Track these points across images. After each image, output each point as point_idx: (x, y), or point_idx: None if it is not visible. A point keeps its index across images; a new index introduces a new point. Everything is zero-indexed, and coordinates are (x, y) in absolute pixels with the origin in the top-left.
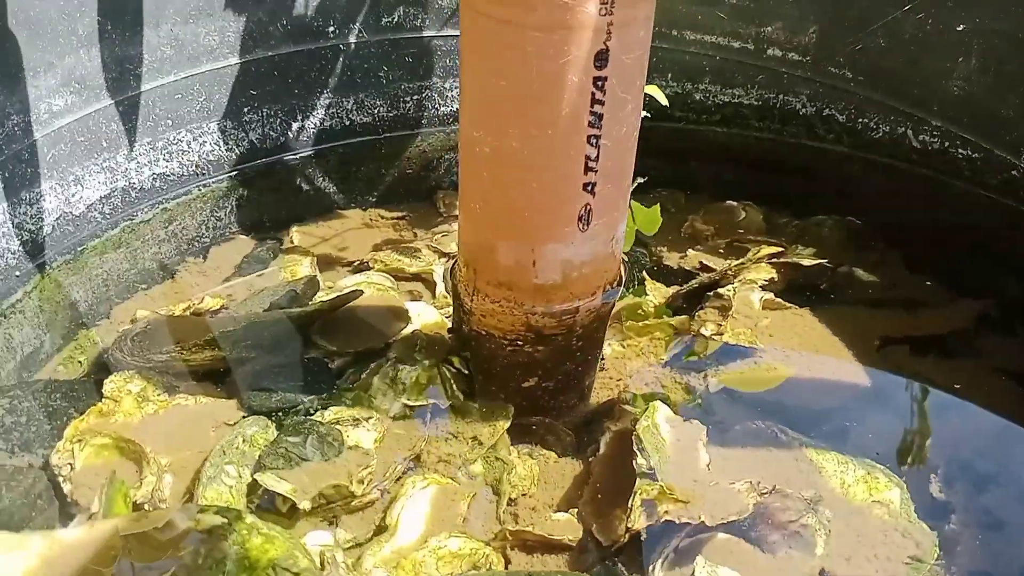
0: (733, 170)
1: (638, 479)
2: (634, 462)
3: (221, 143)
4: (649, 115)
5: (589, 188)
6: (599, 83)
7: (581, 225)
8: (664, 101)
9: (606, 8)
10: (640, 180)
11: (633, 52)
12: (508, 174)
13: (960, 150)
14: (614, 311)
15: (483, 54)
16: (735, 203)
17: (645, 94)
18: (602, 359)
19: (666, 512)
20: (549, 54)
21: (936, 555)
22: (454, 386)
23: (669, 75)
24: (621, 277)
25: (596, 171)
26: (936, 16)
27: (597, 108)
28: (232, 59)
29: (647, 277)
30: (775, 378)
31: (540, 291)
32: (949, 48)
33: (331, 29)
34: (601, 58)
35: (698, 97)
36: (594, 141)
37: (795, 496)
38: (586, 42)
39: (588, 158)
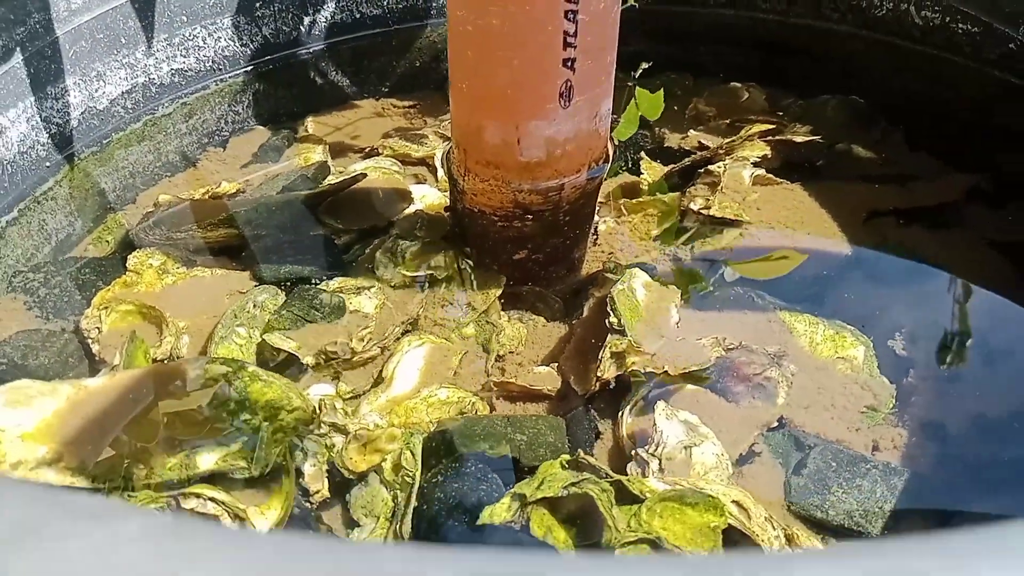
0: (740, 52)
1: (609, 335)
2: (607, 321)
3: (235, 39)
4: None
5: (569, 64)
6: None
7: (563, 102)
8: None
9: None
10: (645, 65)
11: None
12: (490, 52)
13: (960, 25)
14: (611, 189)
15: None
16: (739, 84)
17: None
18: (595, 234)
19: (633, 363)
20: None
21: (892, 405)
22: (452, 258)
23: None
24: (608, 154)
25: (575, 47)
26: None
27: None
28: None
29: (644, 156)
30: (755, 248)
31: (526, 168)
32: None
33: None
34: None
35: None
36: (571, 16)
37: (760, 351)
38: None
39: (567, 33)
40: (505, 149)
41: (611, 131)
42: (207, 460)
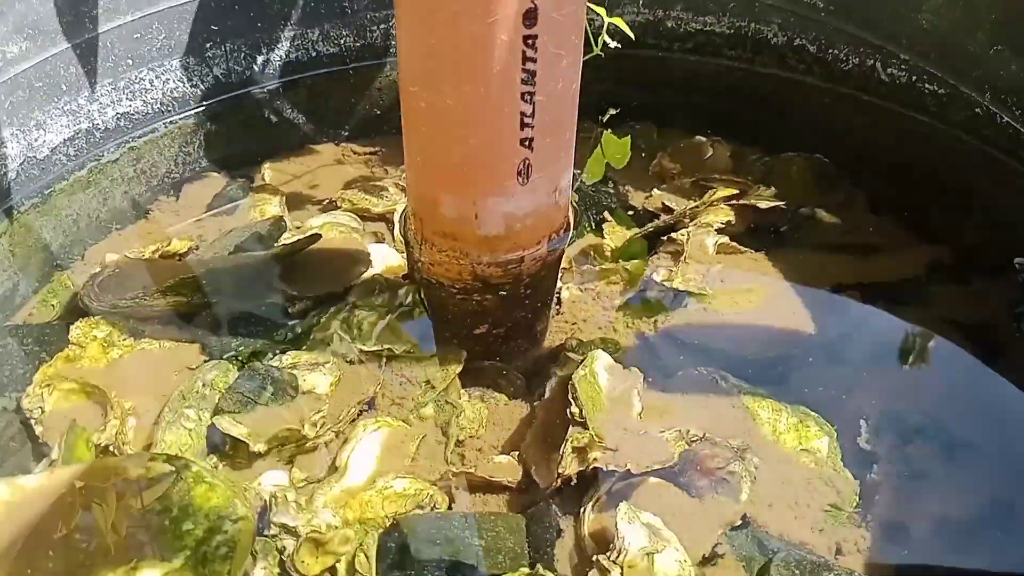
0: (705, 100)
1: (571, 427)
2: (568, 411)
3: (185, 79)
4: (619, 45)
5: (526, 143)
6: (529, 41)
7: (520, 179)
8: (629, 33)
9: None
10: (612, 111)
11: (565, 8)
12: (445, 130)
13: (927, 85)
14: (575, 253)
15: (413, 12)
16: (703, 139)
17: (612, 24)
18: (558, 303)
19: (595, 459)
20: (476, 13)
21: (855, 503)
22: (409, 333)
23: (640, 2)
24: (569, 224)
25: (532, 127)
26: None
27: (529, 65)
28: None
29: (608, 218)
30: (719, 324)
31: (484, 242)
32: None
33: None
34: (530, 16)
35: (670, 24)
36: (528, 98)
37: (724, 443)
38: (512, 1)
39: (523, 114)
40: (462, 222)
41: (574, 193)
42: None
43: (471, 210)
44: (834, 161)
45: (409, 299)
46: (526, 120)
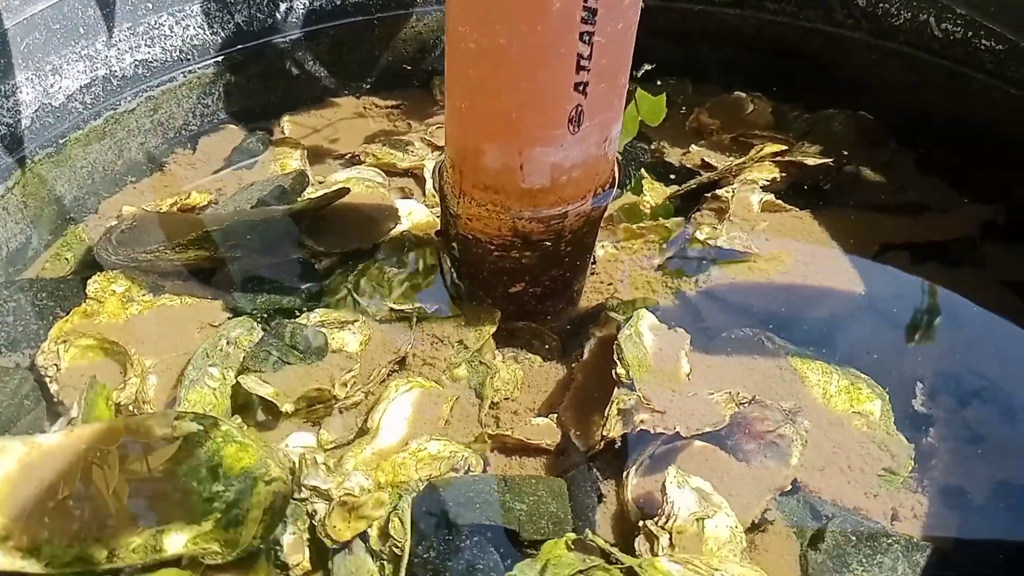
0: (745, 56)
1: (616, 388)
2: (613, 372)
3: (205, 26)
4: None
5: (581, 88)
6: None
7: (571, 127)
8: None
9: None
10: (647, 67)
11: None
12: (495, 73)
13: (983, 41)
14: (611, 211)
15: None
16: (743, 95)
17: None
18: (593, 262)
19: (642, 421)
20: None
21: (911, 468)
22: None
23: None
24: (614, 179)
25: (589, 70)
26: None
27: (591, 2)
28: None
29: (645, 175)
30: (764, 284)
31: (528, 195)
32: None
33: None
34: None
35: None
36: (587, 38)
37: (774, 406)
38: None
39: (581, 56)
40: (506, 174)
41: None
42: (176, 542)
43: (516, 160)
44: (880, 119)
45: (420, 264)
46: (583, 63)
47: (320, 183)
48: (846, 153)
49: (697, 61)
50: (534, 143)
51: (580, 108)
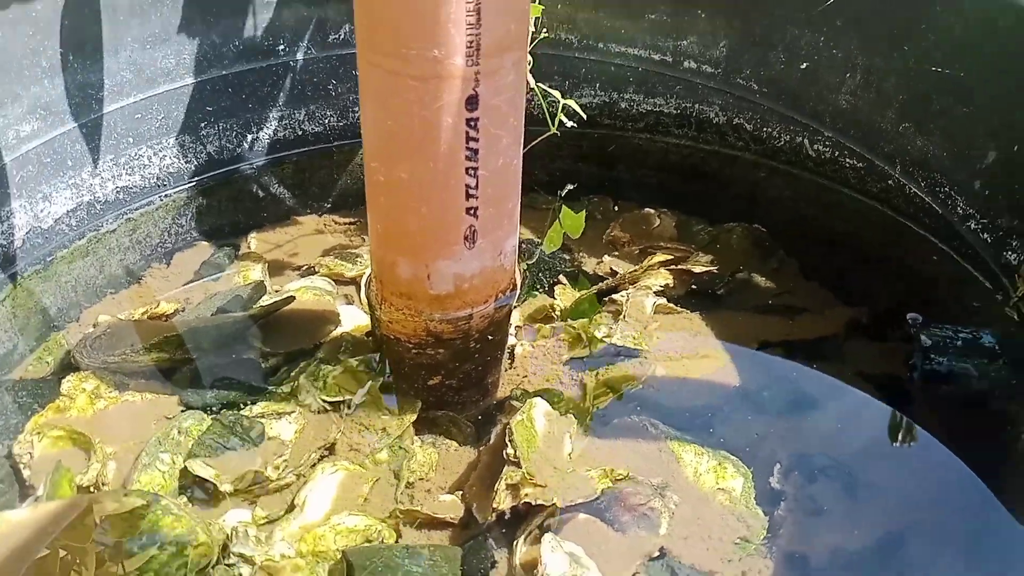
0: (656, 175)
1: (506, 466)
2: (504, 452)
3: (180, 156)
4: (575, 124)
5: (472, 212)
6: (472, 123)
7: (467, 244)
8: (581, 113)
9: (472, 60)
10: (570, 186)
11: (503, 95)
12: (400, 201)
13: (848, 159)
14: (529, 312)
15: (374, 98)
16: (652, 211)
17: (566, 106)
18: (511, 357)
19: (526, 495)
20: (425, 100)
21: (763, 536)
22: (369, 384)
23: (597, 85)
24: (515, 284)
25: (477, 197)
26: (827, 35)
27: (472, 144)
28: (188, 79)
29: (562, 279)
30: (654, 377)
31: (436, 300)
32: (838, 65)
33: (281, 47)
34: (472, 102)
35: (623, 106)
36: (472, 172)
37: (646, 482)
38: (456, 89)
39: (468, 187)
40: (416, 282)
41: (525, 259)
42: None
43: (424, 271)
44: (770, 230)
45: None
46: (471, 192)
47: (276, 291)
48: (741, 264)
49: (616, 180)
50: (436, 257)
51: (473, 228)
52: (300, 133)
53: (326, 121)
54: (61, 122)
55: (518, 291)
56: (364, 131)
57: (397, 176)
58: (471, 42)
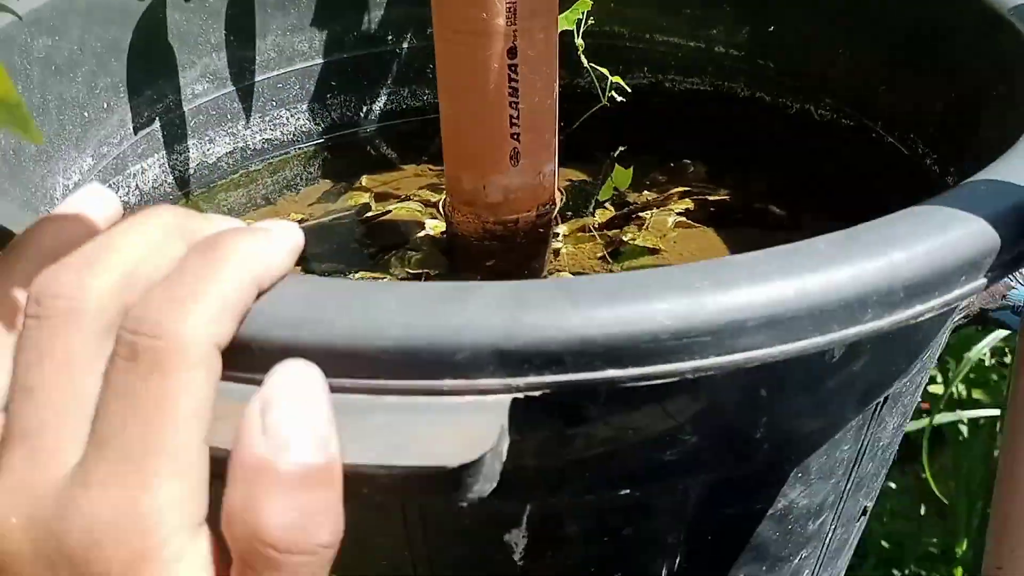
0: (697, 141)
1: None
2: None
3: (310, 119)
4: (623, 99)
5: (515, 136)
6: (512, 68)
7: (512, 162)
8: (627, 89)
9: (511, 21)
10: (622, 148)
11: (536, 48)
12: (462, 129)
13: (844, 120)
14: (574, 228)
15: (442, 54)
16: (688, 161)
17: (615, 83)
18: (556, 255)
19: None
20: (477, 51)
21: None
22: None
23: (645, 69)
24: (554, 200)
25: (519, 126)
26: (821, 22)
27: (513, 84)
28: (318, 60)
29: (605, 206)
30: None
31: (490, 207)
32: (832, 45)
33: (390, 38)
34: (512, 53)
35: (667, 85)
36: (514, 106)
37: None
38: (499, 42)
39: (512, 117)
40: (476, 193)
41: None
42: None
43: (481, 184)
44: (786, 180)
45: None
46: (514, 121)
47: (379, 210)
48: (757, 201)
49: (661, 145)
50: (489, 173)
51: (516, 150)
52: (404, 107)
53: (424, 98)
54: (224, 86)
55: (556, 205)
56: (438, 81)
57: (458, 110)
58: (510, 8)
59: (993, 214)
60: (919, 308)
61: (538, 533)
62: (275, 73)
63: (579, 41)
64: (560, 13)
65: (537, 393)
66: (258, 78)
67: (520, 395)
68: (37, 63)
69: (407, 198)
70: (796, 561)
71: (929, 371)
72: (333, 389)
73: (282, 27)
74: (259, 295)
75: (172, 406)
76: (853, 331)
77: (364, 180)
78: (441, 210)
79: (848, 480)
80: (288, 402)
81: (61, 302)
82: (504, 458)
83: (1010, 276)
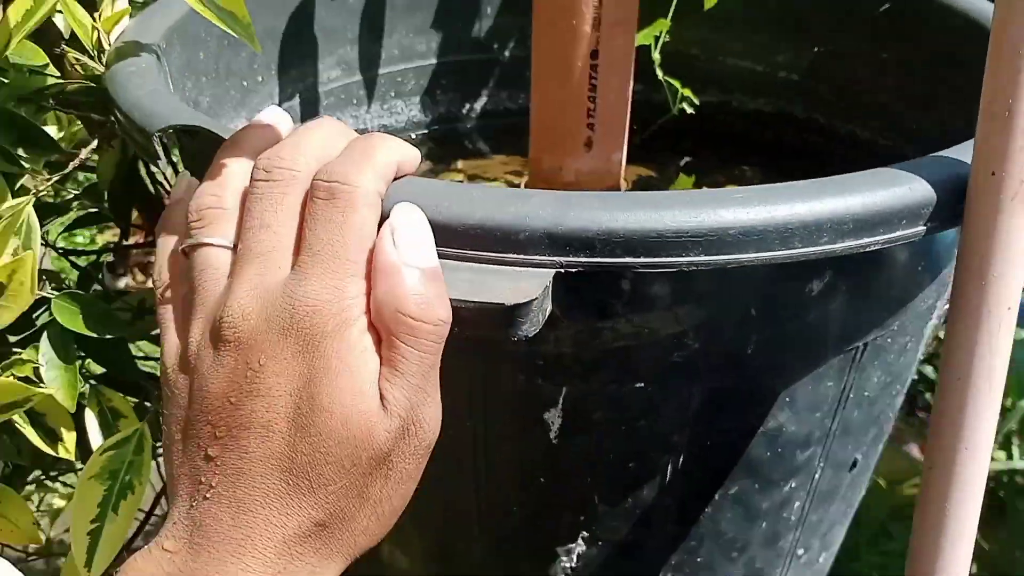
0: (755, 155)
1: None
2: None
3: (421, 111)
4: (693, 111)
5: (590, 127)
6: (593, 67)
7: (586, 148)
8: (696, 101)
9: (595, 28)
10: (688, 158)
11: (615, 53)
12: (548, 116)
13: (880, 140)
14: None
15: (537, 52)
16: (746, 168)
17: (685, 96)
18: None
19: None
20: (566, 50)
21: None
22: None
23: (715, 88)
24: (619, 185)
25: (594, 118)
26: (865, 49)
27: (593, 81)
28: (432, 60)
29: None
30: None
31: (565, 185)
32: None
33: (495, 45)
34: (594, 54)
35: (734, 104)
36: (592, 99)
37: None
38: (585, 45)
39: (589, 109)
40: (553, 172)
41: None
42: None
43: (558, 165)
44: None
45: None
46: (591, 113)
47: None
48: None
49: (725, 159)
50: (566, 156)
51: (591, 138)
52: (502, 108)
53: (520, 100)
54: (354, 74)
55: (622, 191)
56: (532, 73)
57: (546, 99)
58: (595, 18)
59: (932, 178)
60: (865, 240)
61: (570, 415)
62: (397, 68)
63: (656, 55)
64: (641, 30)
65: (574, 270)
66: (382, 71)
67: (562, 270)
68: (214, 36)
69: (494, 179)
70: (786, 489)
71: (919, 346)
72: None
73: (407, 28)
74: (396, 177)
75: (358, 230)
76: (811, 250)
77: (459, 164)
78: (522, 185)
79: (834, 420)
80: (406, 227)
81: (284, 171)
82: (547, 313)
83: None
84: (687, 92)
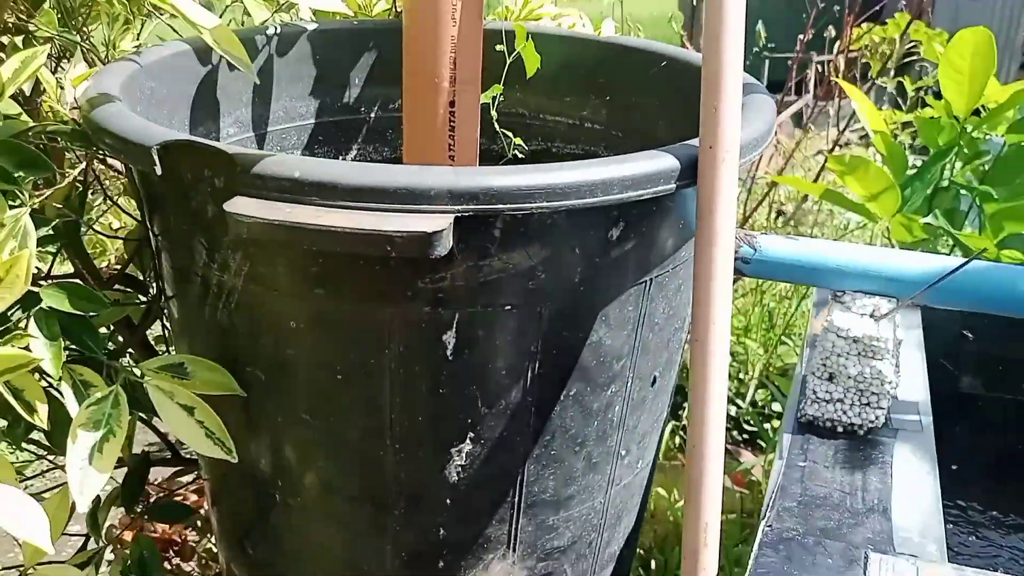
0: None
1: None
2: None
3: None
4: (523, 156)
5: (451, 157)
6: (452, 114)
7: (448, 157)
8: (525, 147)
9: (451, 83)
10: None
11: (467, 103)
12: (417, 148)
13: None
14: None
15: (408, 101)
16: None
17: (517, 144)
18: None
19: None
20: (429, 100)
21: None
22: None
23: (539, 138)
24: None
25: (454, 151)
26: None
27: (452, 121)
28: (311, 120)
29: None
30: None
31: None
32: None
33: (362, 109)
34: (452, 104)
35: (554, 150)
36: (451, 135)
37: None
38: (444, 96)
39: (450, 144)
40: None
41: None
42: None
43: None
44: None
45: None
46: (451, 145)
47: None
48: None
49: None
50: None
51: (453, 156)
52: (369, 159)
53: (384, 153)
54: (247, 131)
55: None
56: (404, 120)
57: (416, 135)
58: (452, 77)
59: (678, 154)
60: (641, 192)
61: (461, 335)
62: (282, 126)
63: (494, 113)
64: (482, 91)
65: (467, 215)
66: (270, 128)
67: (458, 214)
68: (145, 95)
69: None
70: (608, 392)
71: (688, 291)
72: (371, 210)
73: (290, 95)
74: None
75: None
76: (610, 198)
77: None
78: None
79: (636, 338)
80: None
81: None
82: (449, 244)
83: (738, 240)
84: (518, 140)
